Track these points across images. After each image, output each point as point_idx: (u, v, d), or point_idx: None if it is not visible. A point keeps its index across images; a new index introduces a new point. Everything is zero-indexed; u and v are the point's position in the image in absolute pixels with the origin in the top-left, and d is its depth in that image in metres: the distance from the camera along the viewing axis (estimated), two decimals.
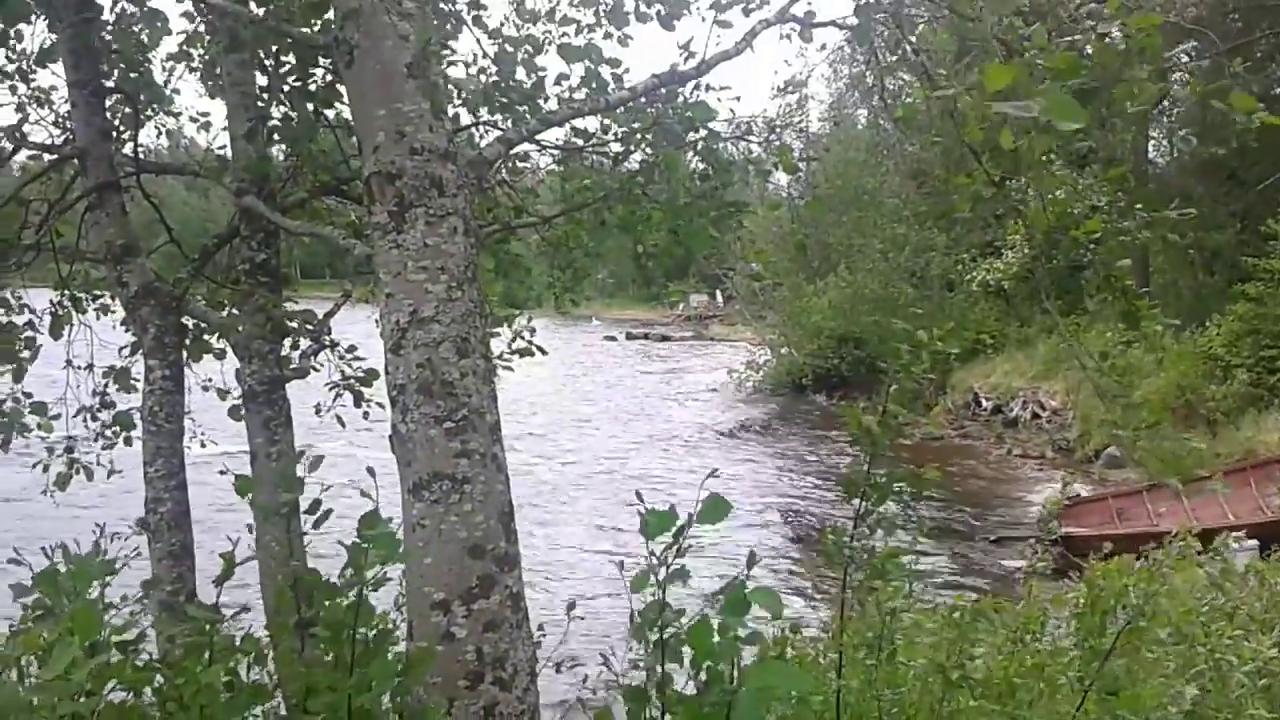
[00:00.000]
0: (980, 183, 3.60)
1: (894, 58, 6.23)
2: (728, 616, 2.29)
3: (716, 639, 2.32)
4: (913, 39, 5.04)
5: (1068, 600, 4.62)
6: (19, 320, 5.89)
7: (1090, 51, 3.86)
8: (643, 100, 5.50)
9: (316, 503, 2.78)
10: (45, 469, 6.09)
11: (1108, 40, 3.83)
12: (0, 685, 1.98)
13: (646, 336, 55.84)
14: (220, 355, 5.37)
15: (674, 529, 2.41)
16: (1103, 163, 20.75)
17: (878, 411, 3.03)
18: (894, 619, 3.41)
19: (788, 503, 19.41)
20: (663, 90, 5.40)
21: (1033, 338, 28.31)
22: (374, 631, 2.61)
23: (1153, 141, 28.28)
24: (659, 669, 2.49)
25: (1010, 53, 3.93)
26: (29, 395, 5.92)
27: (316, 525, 2.78)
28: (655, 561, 2.51)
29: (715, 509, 2.23)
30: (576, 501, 19.28)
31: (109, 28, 5.59)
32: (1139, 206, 3.75)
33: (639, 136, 5.74)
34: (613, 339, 54.01)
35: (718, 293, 57.68)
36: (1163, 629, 3.83)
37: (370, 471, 2.72)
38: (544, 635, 4.03)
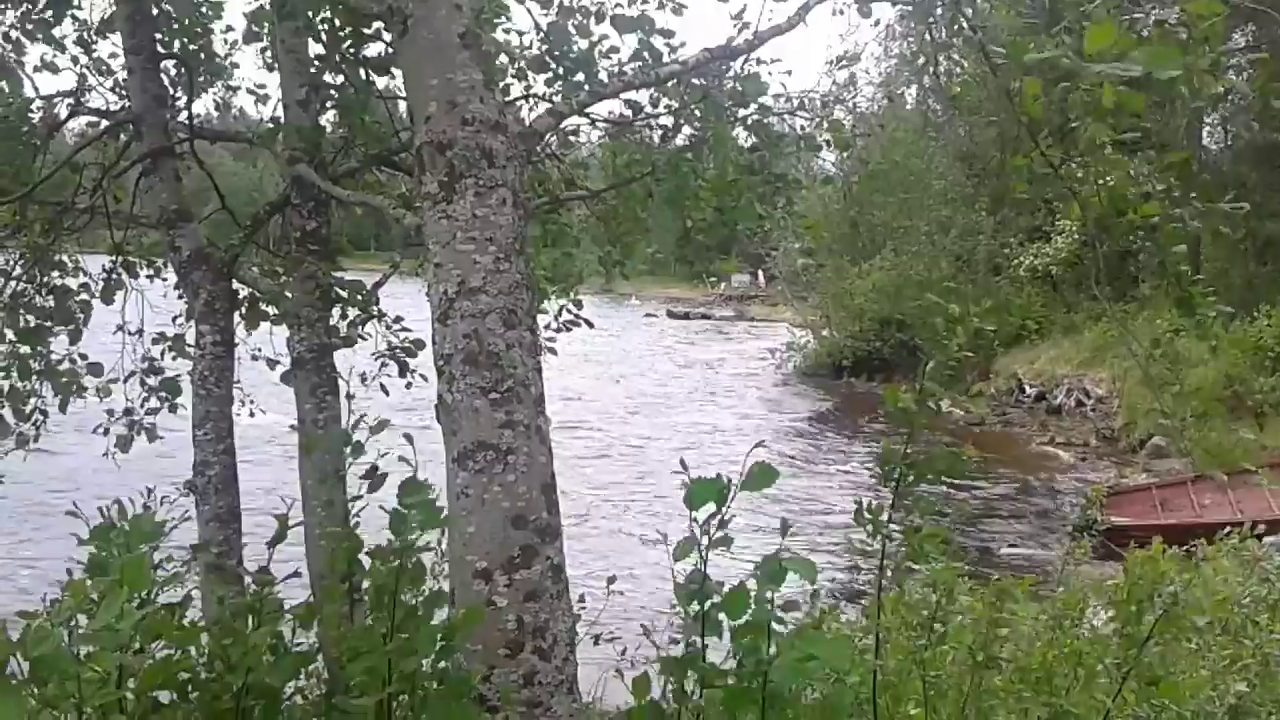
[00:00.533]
0: (1037, 164, 3.55)
1: (949, 35, 6.13)
2: (764, 585, 2.30)
3: (752, 608, 2.32)
4: (969, 12, 4.96)
5: (1106, 588, 4.57)
6: (74, 283, 6.00)
7: (1149, 36, 3.78)
8: (693, 74, 5.47)
9: (374, 468, 2.81)
10: (106, 431, 6.21)
11: (1166, 26, 3.75)
12: (47, 636, 2.03)
13: (687, 315, 55.67)
14: (277, 322, 5.43)
15: (718, 498, 2.41)
16: (1155, 149, 20.37)
17: (915, 390, 3.00)
18: (949, 600, 3.38)
19: (826, 486, 19.35)
20: (714, 64, 5.37)
21: (1079, 324, 27.92)
22: (421, 597, 2.64)
23: (1206, 128, 27.68)
24: (699, 640, 2.50)
25: (1069, 29, 3.86)
26: (84, 357, 6.03)
27: (371, 490, 2.81)
28: (698, 531, 2.51)
29: (761, 476, 2.23)
30: (614, 477, 19.36)
31: None
32: (1194, 195, 3.68)
33: (689, 110, 5.71)
34: (653, 317, 53.92)
35: (759, 273, 57.36)
36: (1200, 617, 3.78)
37: (408, 438, 2.74)
38: (583, 607, 4.06)
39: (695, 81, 5.62)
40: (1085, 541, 10.73)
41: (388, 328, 5.99)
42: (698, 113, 5.74)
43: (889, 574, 3.27)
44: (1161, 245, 3.34)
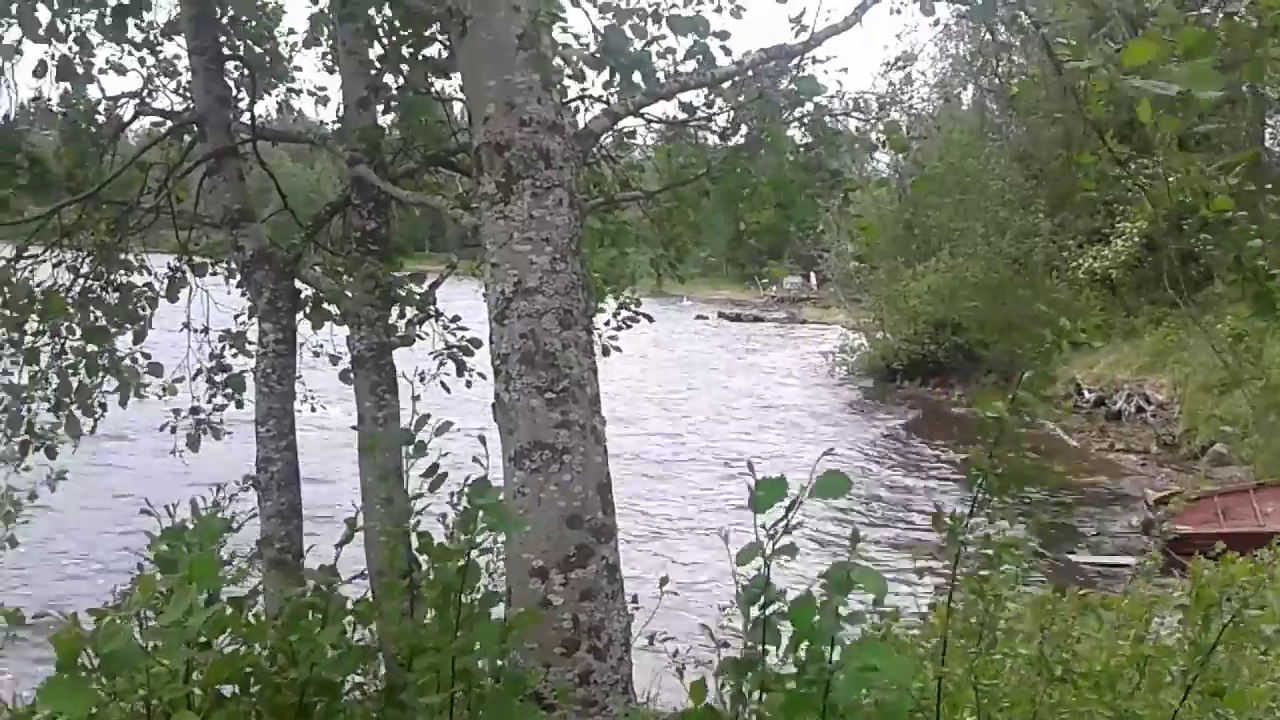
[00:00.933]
0: (1105, 162, 3.48)
1: (1010, 35, 6.05)
2: (831, 595, 2.27)
3: (817, 617, 2.30)
4: (1031, 10, 4.88)
5: (1171, 597, 4.48)
6: (139, 281, 6.12)
7: (1219, 29, 3.70)
8: (749, 74, 5.45)
9: (434, 466, 2.83)
10: (173, 430, 6.34)
11: (1236, 18, 3.67)
12: (118, 631, 2.06)
13: (739, 317, 55.44)
14: (340, 322, 5.51)
15: (785, 502, 2.38)
16: (1217, 148, 19.92)
17: (1007, 398, 2.95)
18: (999, 606, 3.34)
19: (881, 490, 19.18)
20: (770, 64, 5.35)
21: (1139, 329, 27.39)
22: (479, 595, 2.65)
23: (1269, 128, 26.97)
24: (759, 645, 2.48)
25: (1136, 28, 3.79)
26: (147, 356, 6.15)
27: (433, 489, 2.83)
28: (762, 535, 2.49)
29: (833, 484, 2.19)
30: (667, 479, 19.34)
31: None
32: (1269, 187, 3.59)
33: (745, 110, 5.69)
34: (704, 319, 53.77)
35: (811, 275, 57.01)
36: (1270, 625, 3.68)
37: (482, 440, 2.76)
38: (637, 608, 4.05)
39: (753, 84, 5.59)
40: (1155, 552, 10.51)
41: (445, 327, 6.03)
42: (753, 113, 5.71)
43: (959, 581, 3.22)
44: (1236, 241, 3.26)
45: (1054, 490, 18.14)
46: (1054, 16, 4.41)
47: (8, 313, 5.51)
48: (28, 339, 5.75)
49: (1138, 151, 3.57)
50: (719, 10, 5.89)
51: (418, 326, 5.66)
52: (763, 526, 2.44)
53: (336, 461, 11.04)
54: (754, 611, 2.47)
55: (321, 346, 6.18)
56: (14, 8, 5.35)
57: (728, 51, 5.44)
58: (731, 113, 5.87)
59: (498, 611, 2.96)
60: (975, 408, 2.90)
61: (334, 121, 5.59)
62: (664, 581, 4.15)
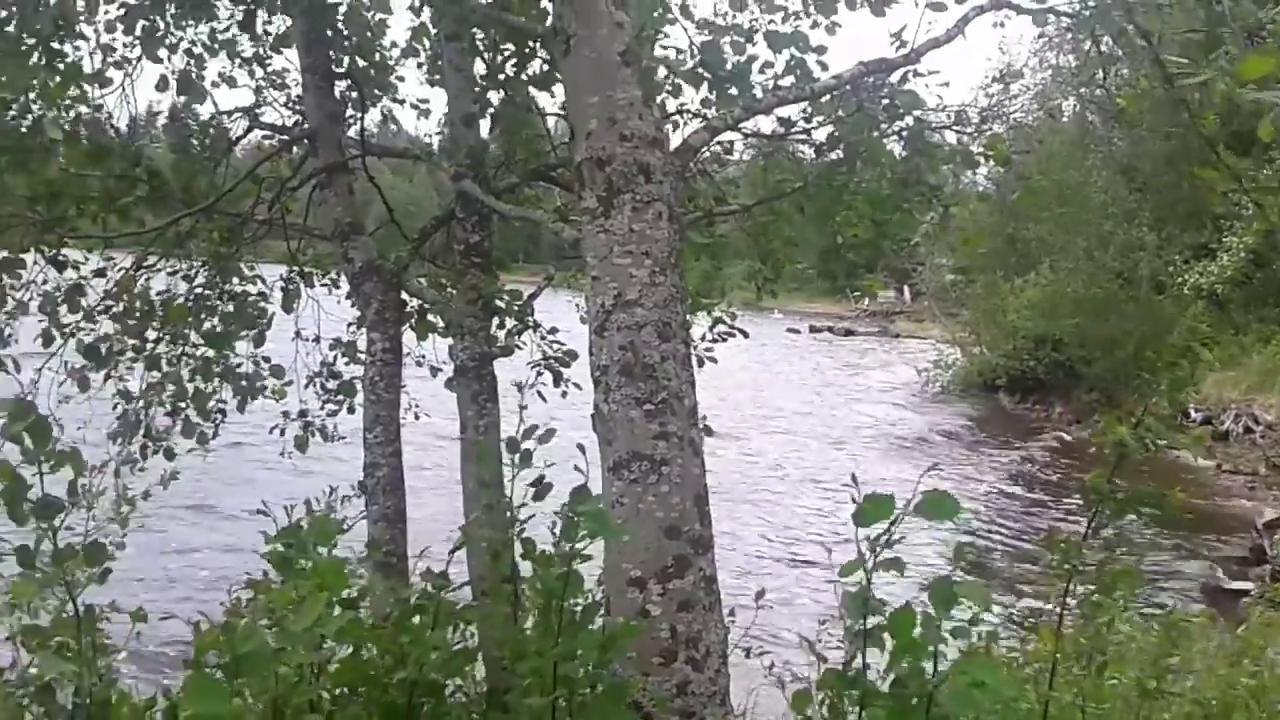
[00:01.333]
0: (1220, 176, 3.39)
1: (1116, 47, 5.90)
2: (933, 609, 2.26)
3: (919, 630, 2.29)
4: (1140, 22, 4.77)
5: None
6: (252, 290, 6.35)
7: None
8: (848, 88, 5.43)
9: (540, 476, 2.89)
10: (282, 433, 6.57)
11: None
12: (252, 633, 2.16)
13: (830, 330, 54.97)
14: (444, 333, 5.64)
15: (889, 518, 2.38)
16: None
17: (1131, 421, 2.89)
18: (1109, 629, 3.26)
19: (980, 508, 18.77)
20: (869, 78, 5.32)
21: (1248, 346, 26.37)
22: (581, 604, 2.70)
23: None
24: (860, 659, 2.48)
25: (1252, 38, 3.69)
26: (267, 360, 6.39)
27: (538, 498, 2.89)
28: (865, 550, 2.49)
29: (940, 505, 2.18)
30: (757, 493, 19.23)
31: (340, 14, 5.93)
32: None
33: (844, 124, 5.67)
34: (795, 332, 53.40)
35: (905, 288, 56.22)
36: None
37: (581, 449, 2.81)
38: (732, 620, 4.06)
39: (852, 98, 5.56)
40: (1268, 580, 10.12)
41: (542, 338, 6.13)
42: (851, 127, 5.68)
43: (1071, 604, 3.16)
44: None
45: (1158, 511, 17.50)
46: (1164, 28, 4.31)
47: (130, 321, 5.78)
48: (148, 346, 6.02)
49: (1252, 165, 3.47)
50: (815, 26, 5.88)
51: (516, 337, 5.77)
52: (865, 540, 2.45)
53: (435, 469, 11.31)
54: (855, 625, 2.48)
55: (424, 357, 6.34)
56: (139, 25, 5.61)
57: (824, 66, 5.45)
58: (829, 127, 5.86)
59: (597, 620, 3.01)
60: (1083, 429, 2.86)
61: (435, 135, 5.74)
62: (760, 595, 4.17)
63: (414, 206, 19.69)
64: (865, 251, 6.41)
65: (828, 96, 5.50)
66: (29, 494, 2.15)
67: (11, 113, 5.32)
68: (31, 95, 5.27)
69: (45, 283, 5.86)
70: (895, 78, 5.47)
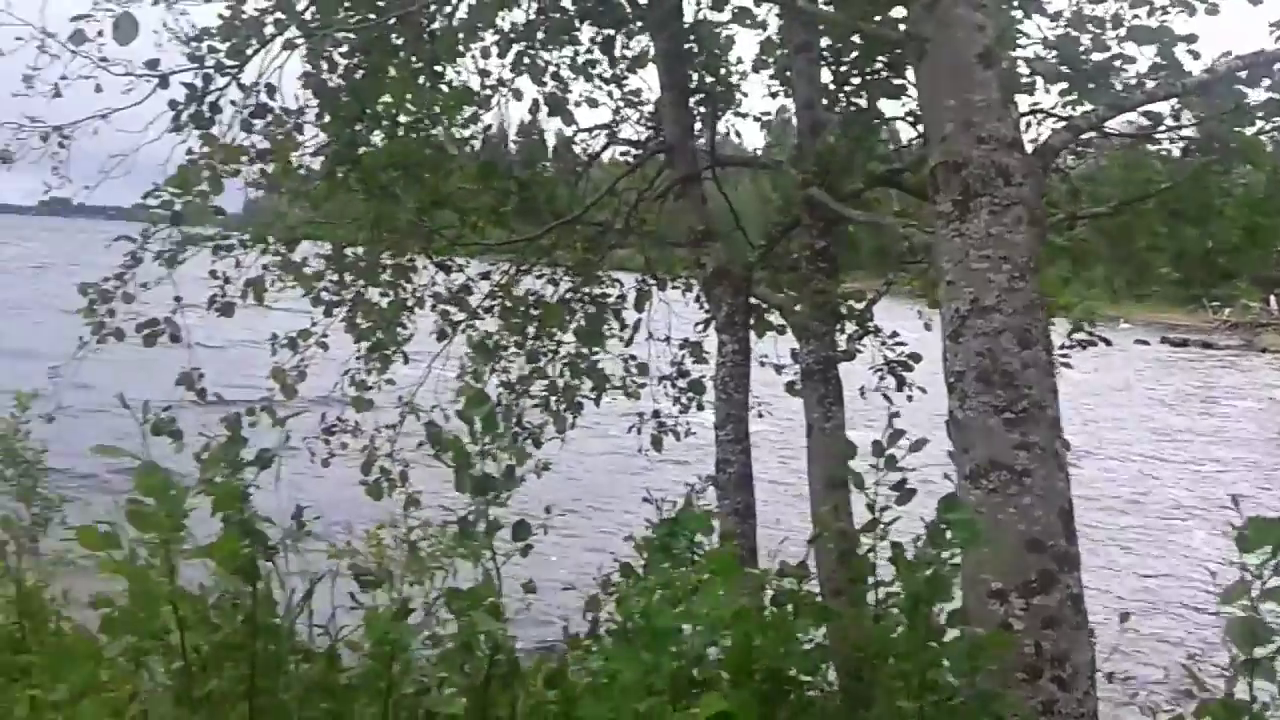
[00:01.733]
0: None
1: None
2: None
3: None
4: None
5: None
6: (611, 293, 6.83)
7: None
8: (1223, 83, 5.02)
9: (902, 481, 2.93)
10: (639, 431, 7.00)
11: None
12: (660, 613, 2.35)
13: (1185, 343, 50.28)
14: (781, 331, 5.78)
15: (1277, 543, 2.24)
16: None
17: None
18: None
19: None
20: (1245, 71, 4.89)
21: None
22: (945, 611, 2.71)
23: None
24: (1249, 687, 2.34)
25: None
26: (634, 358, 6.84)
27: (900, 502, 2.93)
28: (1250, 575, 2.35)
29: None
30: (1109, 512, 17.97)
31: (692, 34, 6.23)
32: None
33: (1218, 121, 5.24)
34: (1144, 343, 49.18)
35: (1272, 298, 50.38)
36: None
37: (951, 456, 2.82)
38: (1094, 640, 3.89)
39: (1224, 90, 5.13)
40: None
41: (883, 342, 6.13)
42: (1226, 123, 5.25)
43: None
44: None
45: None
46: None
47: (514, 319, 6.41)
48: (528, 342, 6.63)
49: None
50: (1191, 14, 5.47)
51: (858, 341, 5.81)
52: (1250, 566, 2.32)
53: (778, 469, 11.56)
54: (1241, 654, 2.34)
55: (765, 357, 6.51)
56: (513, 51, 6.20)
57: (1196, 55, 5.07)
58: (1199, 124, 5.43)
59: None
60: None
61: (773, 145, 5.88)
62: (1125, 618, 3.96)
63: (739, 213, 20.05)
64: (1237, 258, 5.88)
65: (1199, 93, 5.12)
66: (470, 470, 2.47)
67: (400, 129, 6.01)
68: (423, 113, 5.95)
69: (435, 285, 6.59)
70: (1276, 70, 5.01)
